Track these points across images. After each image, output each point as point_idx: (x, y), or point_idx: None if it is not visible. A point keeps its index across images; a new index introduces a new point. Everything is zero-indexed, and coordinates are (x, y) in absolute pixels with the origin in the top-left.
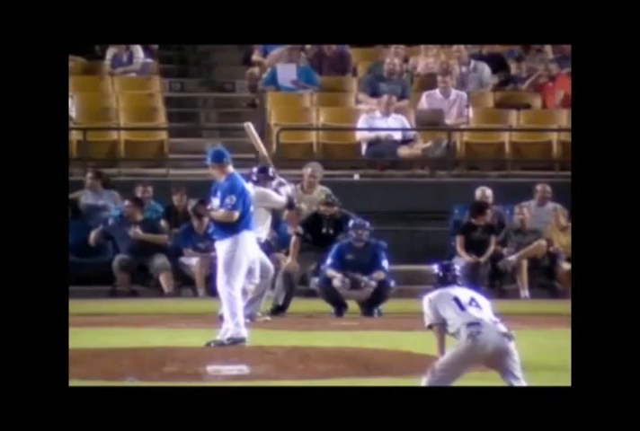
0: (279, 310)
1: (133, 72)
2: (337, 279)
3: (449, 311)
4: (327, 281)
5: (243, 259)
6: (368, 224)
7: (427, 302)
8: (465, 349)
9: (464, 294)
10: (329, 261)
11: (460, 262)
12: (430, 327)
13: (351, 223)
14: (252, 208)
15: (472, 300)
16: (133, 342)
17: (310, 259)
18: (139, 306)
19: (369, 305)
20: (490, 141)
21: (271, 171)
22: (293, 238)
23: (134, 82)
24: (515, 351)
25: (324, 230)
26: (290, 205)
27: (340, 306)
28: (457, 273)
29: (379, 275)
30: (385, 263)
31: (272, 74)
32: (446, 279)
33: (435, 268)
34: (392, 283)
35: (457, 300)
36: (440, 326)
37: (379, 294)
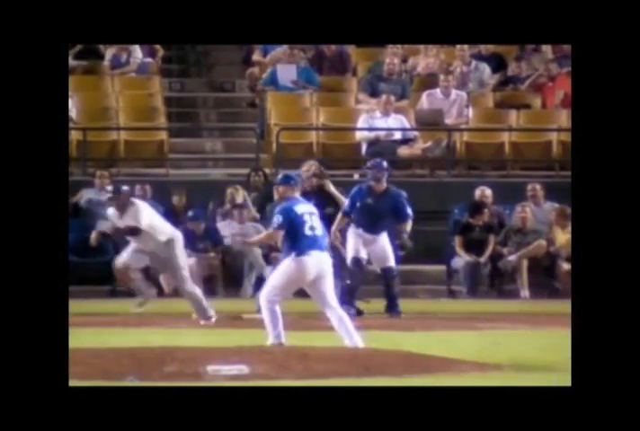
0: None
1: (130, 72)
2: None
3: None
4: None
5: None
6: (385, 163)
7: None
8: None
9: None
10: (345, 207)
11: (460, 262)
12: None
13: (368, 163)
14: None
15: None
16: (133, 342)
17: None
18: None
19: (389, 302)
20: (490, 141)
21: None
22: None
23: (134, 82)
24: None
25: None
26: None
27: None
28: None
29: (406, 226)
30: (409, 210)
31: (272, 74)
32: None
33: None
34: (395, 270)
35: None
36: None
37: (388, 287)
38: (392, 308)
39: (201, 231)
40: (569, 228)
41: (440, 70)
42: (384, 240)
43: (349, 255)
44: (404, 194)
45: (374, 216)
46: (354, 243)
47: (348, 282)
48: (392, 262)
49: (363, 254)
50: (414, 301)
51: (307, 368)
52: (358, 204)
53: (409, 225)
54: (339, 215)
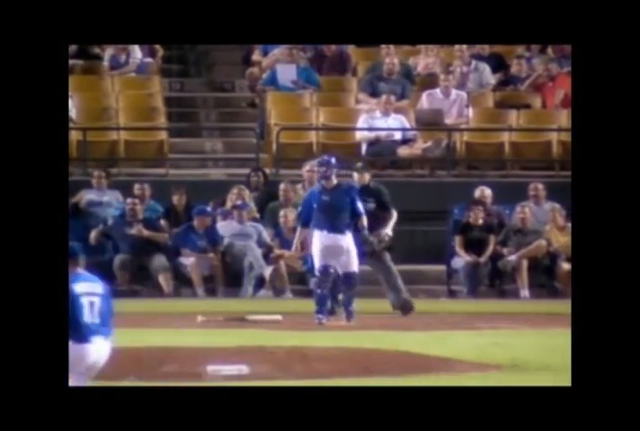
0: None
1: (130, 72)
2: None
3: None
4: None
5: None
6: (333, 160)
7: None
8: None
9: None
10: (301, 214)
11: (460, 262)
12: None
13: (317, 161)
14: None
15: None
16: (133, 342)
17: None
18: (139, 306)
19: (346, 309)
20: (490, 141)
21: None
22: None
23: (134, 82)
24: None
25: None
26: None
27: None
28: None
29: (362, 222)
30: (360, 207)
31: (272, 74)
32: None
33: None
34: (356, 277)
35: None
36: None
37: (347, 294)
38: (349, 314)
39: (204, 228)
40: (567, 229)
41: (440, 70)
42: (349, 243)
43: (316, 263)
44: (356, 187)
45: (332, 212)
46: (320, 250)
47: (318, 291)
48: (355, 268)
49: (330, 260)
50: (414, 301)
51: (308, 368)
52: (315, 205)
53: (365, 220)
54: (298, 228)
